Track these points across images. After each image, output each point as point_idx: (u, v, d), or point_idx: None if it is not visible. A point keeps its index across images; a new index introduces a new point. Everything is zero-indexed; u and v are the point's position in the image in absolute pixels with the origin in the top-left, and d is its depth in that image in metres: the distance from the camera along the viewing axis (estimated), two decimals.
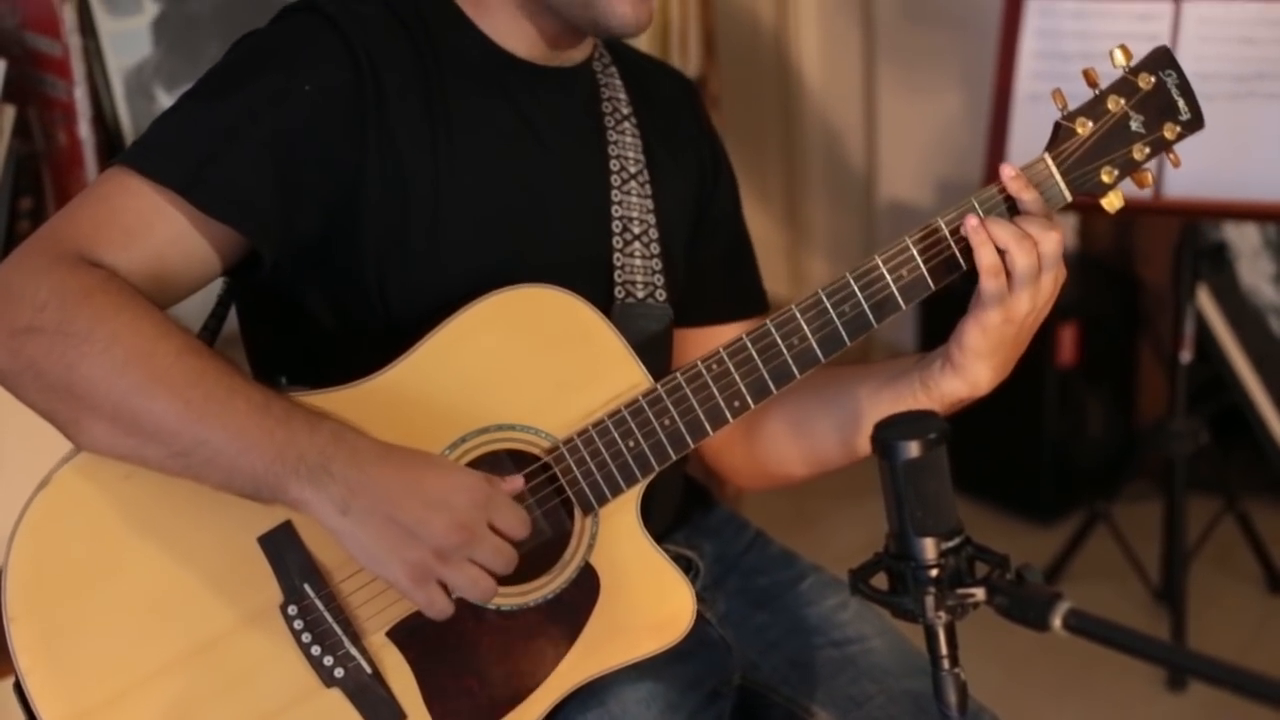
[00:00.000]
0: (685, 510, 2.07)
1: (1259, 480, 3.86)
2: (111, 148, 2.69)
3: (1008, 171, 1.76)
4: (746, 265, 2.10)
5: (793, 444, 1.99)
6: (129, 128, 2.75)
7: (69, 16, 2.54)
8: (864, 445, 1.52)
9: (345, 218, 1.75)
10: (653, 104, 1.99)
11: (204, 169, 1.67)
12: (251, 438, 1.60)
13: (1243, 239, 3.76)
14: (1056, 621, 1.35)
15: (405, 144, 1.76)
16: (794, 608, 2.02)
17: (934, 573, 1.48)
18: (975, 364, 1.79)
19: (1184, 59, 3.01)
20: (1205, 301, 3.63)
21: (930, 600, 1.48)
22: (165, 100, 2.77)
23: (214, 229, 1.68)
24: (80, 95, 2.56)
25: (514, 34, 1.85)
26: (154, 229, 1.67)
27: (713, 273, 2.03)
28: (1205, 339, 3.64)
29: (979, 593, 1.45)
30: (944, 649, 1.50)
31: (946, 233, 1.77)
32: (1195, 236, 3.35)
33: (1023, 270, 1.73)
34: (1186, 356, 3.35)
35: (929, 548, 1.48)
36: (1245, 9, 3.06)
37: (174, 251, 1.68)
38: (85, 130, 2.57)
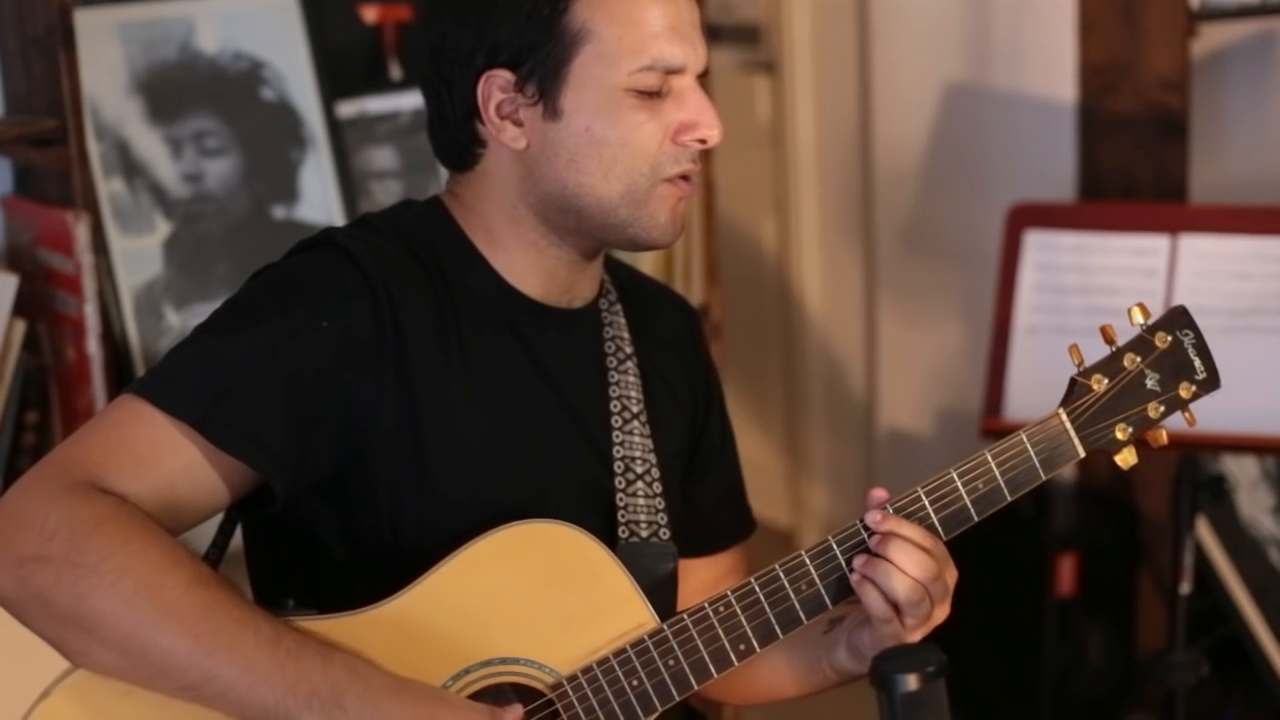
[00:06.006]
0: None
1: (1260, 712, 3.82)
2: (119, 364, 2.71)
3: (874, 517, 1.78)
4: (735, 494, 2.11)
5: (785, 667, 1.96)
6: (137, 345, 2.77)
7: (82, 234, 2.57)
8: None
9: (359, 454, 1.75)
10: (654, 338, 1.99)
11: (219, 404, 1.68)
12: (262, 671, 1.59)
13: (1241, 471, 3.76)
14: None
15: (421, 381, 1.77)
16: None
17: None
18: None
19: (1180, 293, 3.07)
20: (1204, 533, 3.62)
21: None
22: (174, 319, 2.80)
23: (226, 462, 1.69)
24: (90, 311, 2.59)
25: (526, 272, 1.86)
26: (165, 459, 1.68)
27: (702, 505, 2.03)
28: (1205, 570, 3.63)
29: None
30: None
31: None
32: (1194, 468, 3.36)
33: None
34: (1186, 588, 3.33)
35: None
36: (1240, 244, 3.10)
37: (184, 481, 1.68)
38: (94, 346, 2.59)
